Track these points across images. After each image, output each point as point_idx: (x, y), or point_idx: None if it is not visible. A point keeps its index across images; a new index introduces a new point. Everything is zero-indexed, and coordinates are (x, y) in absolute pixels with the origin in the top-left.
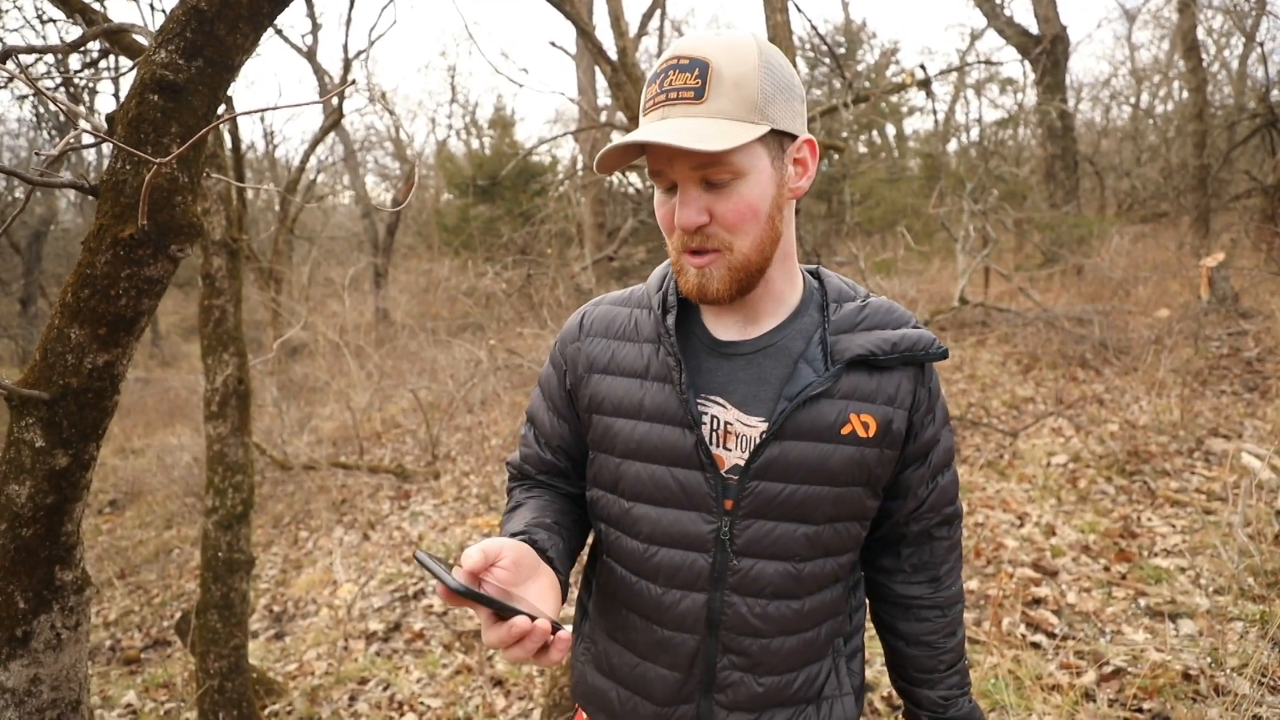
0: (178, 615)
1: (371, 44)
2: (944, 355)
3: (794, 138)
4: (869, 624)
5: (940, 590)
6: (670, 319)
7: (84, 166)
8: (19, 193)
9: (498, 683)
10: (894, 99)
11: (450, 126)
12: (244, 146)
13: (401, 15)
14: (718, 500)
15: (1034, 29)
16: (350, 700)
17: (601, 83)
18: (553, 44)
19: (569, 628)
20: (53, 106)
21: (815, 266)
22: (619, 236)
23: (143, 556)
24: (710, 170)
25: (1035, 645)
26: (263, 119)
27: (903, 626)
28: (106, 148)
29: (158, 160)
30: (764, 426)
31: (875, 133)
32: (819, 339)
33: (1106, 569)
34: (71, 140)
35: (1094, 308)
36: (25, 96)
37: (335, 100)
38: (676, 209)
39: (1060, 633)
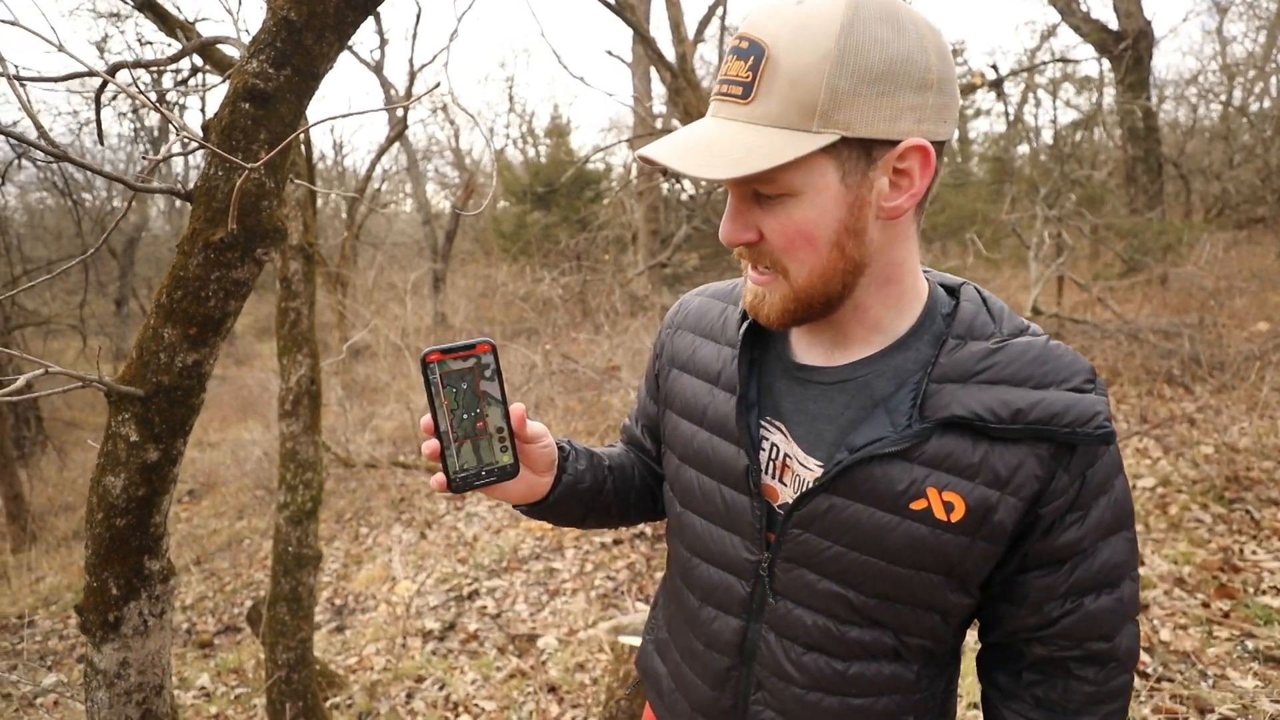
0: (248, 604)
1: (435, 56)
2: (1103, 440)
3: (893, 143)
4: None
5: None
6: (743, 326)
7: (174, 178)
8: (117, 201)
9: (551, 689)
10: (962, 100)
11: (508, 136)
12: (315, 157)
13: (464, 28)
14: (761, 532)
15: (1113, 24)
16: (407, 697)
17: (657, 90)
18: (609, 53)
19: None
20: (153, 117)
21: (964, 284)
22: (673, 243)
23: (216, 545)
24: (757, 183)
25: None
26: (332, 130)
27: None
28: (198, 159)
29: (248, 165)
30: (819, 472)
31: None
32: (915, 383)
33: (1205, 605)
34: (171, 147)
35: (1182, 320)
36: (125, 113)
37: (400, 111)
38: (723, 219)
39: (1154, 673)
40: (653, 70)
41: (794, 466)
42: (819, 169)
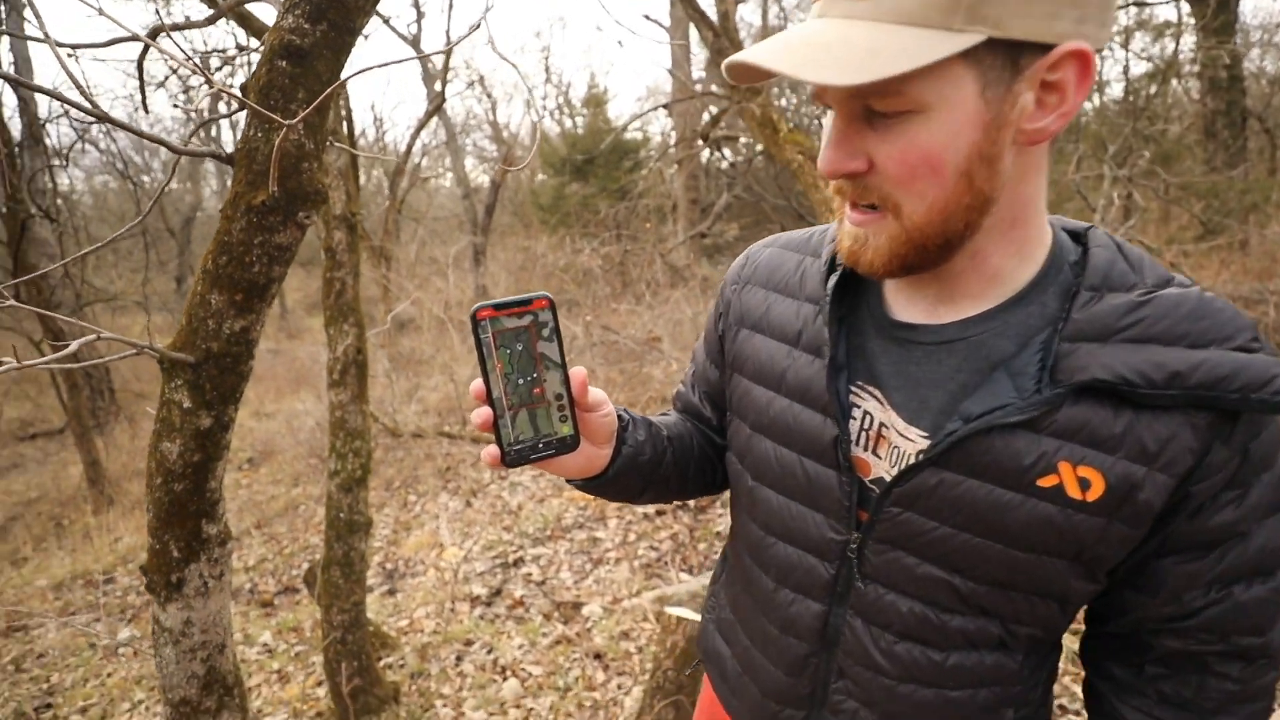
0: (304, 566)
1: (472, 29)
2: (1278, 408)
3: (1044, 48)
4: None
5: None
6: (833, 279)
7: (220, 146)
8: (175, 183)
9: (597, 656)
10: None
11: (545, 107)
12: (356, 132)
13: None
14: (850, 510)
15: None
16: (457, 660)
17: (696, 60)
18: (647, 17)
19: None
20: (204, 92)
21: (1090, 228)
22: (713, 212)
23: (274, 510)
24: (875, 98)
25: None
26: (373, 107)
27: None
28: (240, 125)
29: (286, 122)
30: (924, 444)
31: None
32: (1043, 342)
33: None
34: (199, 107)
35: (1265, 287)
36: (175, 94)
37: (439, 85)
38: (823, 145)
39: None
40: (692, 35)
41: (891, 437)
42: (955, 79)
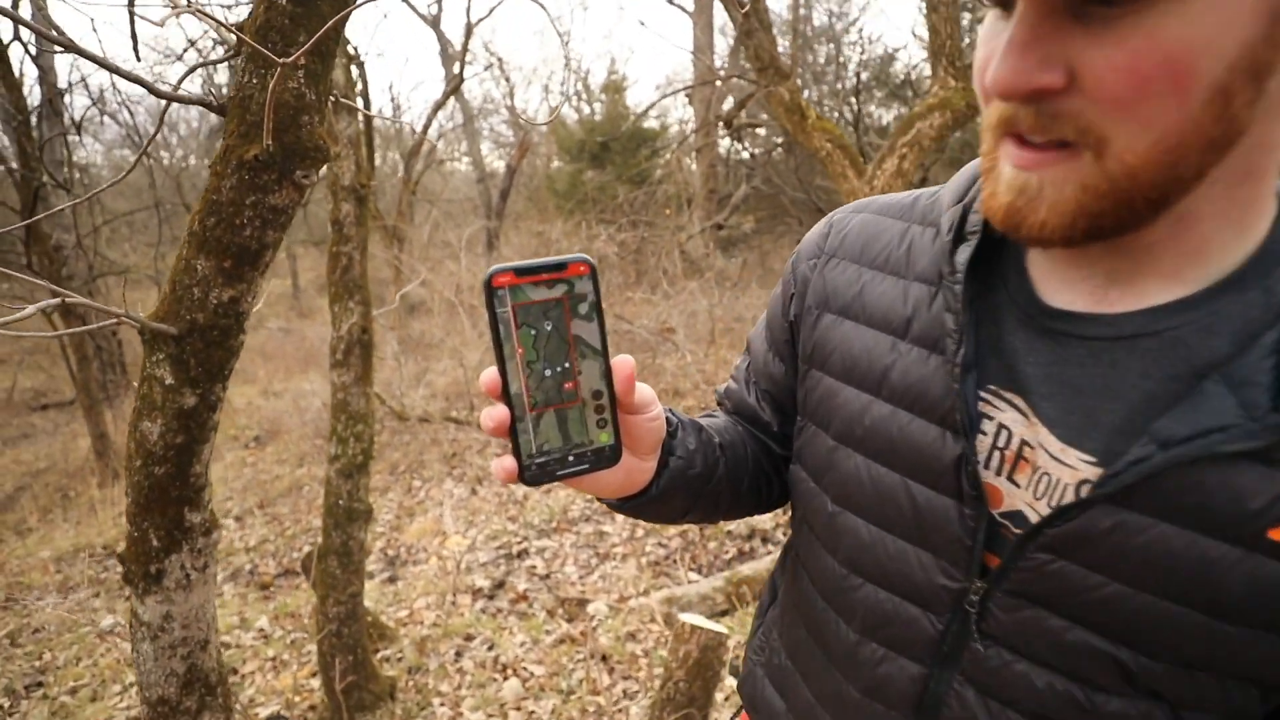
0: (306, 548)
1: (492, 10)
2: None
3: None
4: None
5: None
6: (966, 251)
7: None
8: (192, 159)
9: (602, 658)
10: None
11: (563, 93)
12: (373, 111)
13: None
14: (974, 552)
15: None
16: (456, 655)
17: (719, 48)
18: (670, 1)
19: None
20: (198, 21)
21: None
22: (730, 204)
23: (278, 490)
24: None
25: None
26: (390, 87)
27: None
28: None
29: (282, 61)
30: (1094, 473)
31: None
32: (1276, 342)
33: None
34: (201, 51)
35: None
36: (163, 22)
37: (456, 68)
38: (996, 52)
39: None
40: (715, 20)
41: (1038, 460)
42: None
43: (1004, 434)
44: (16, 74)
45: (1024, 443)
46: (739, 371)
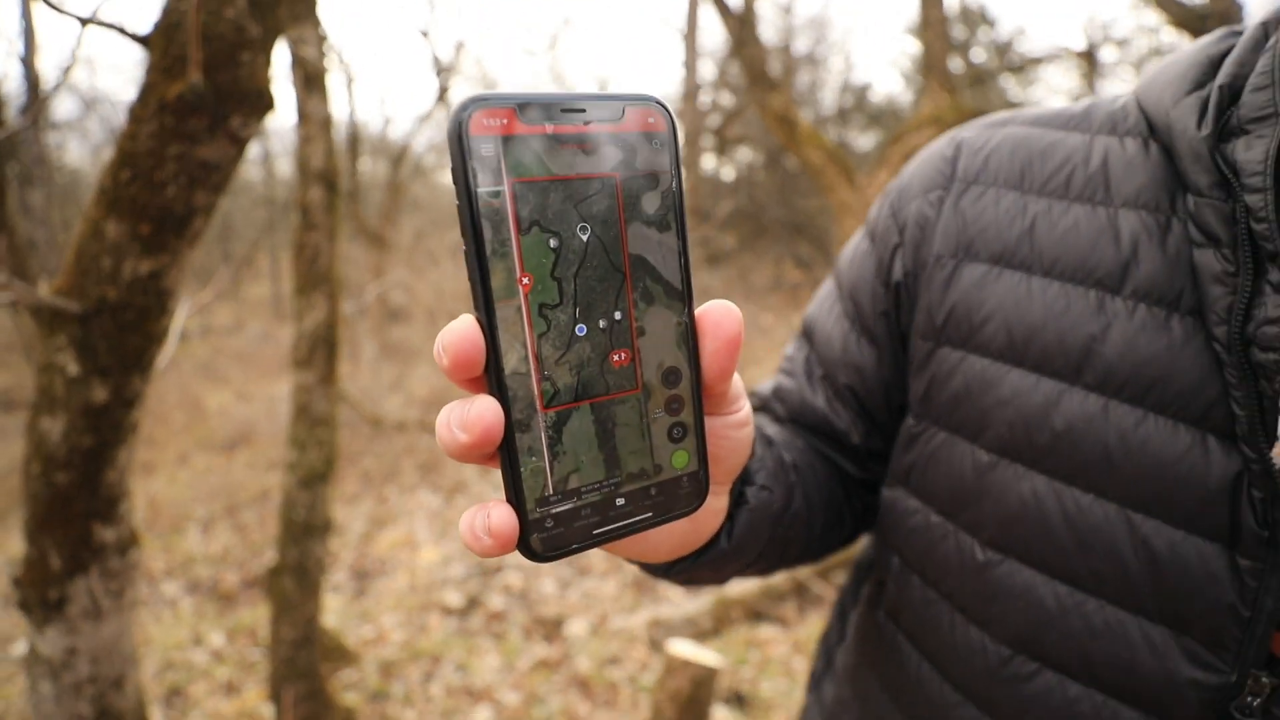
0: (271, 558)
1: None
2: None
3: None
4: None
5: None
6: (1258, 148)
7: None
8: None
9: (581, 684)
10: (1042, 72)
11: None
12: (359, 122)
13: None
14: (1252, 627)
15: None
16: (424, 679)
17: (706, 71)
18: (664, 21)
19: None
20: None
21: None
22: (713, 221)
23: (246, 498)
24: None
25: None
26: (381, 103)
27: None
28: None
29: None
30: None
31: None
32: None
33: None
34: None
35: None
36: None
37: (443, 78)
38: None
39: None
40: (700, 37)
41: None
42: None
43: None
44: None
45: None
46: (794, 364)
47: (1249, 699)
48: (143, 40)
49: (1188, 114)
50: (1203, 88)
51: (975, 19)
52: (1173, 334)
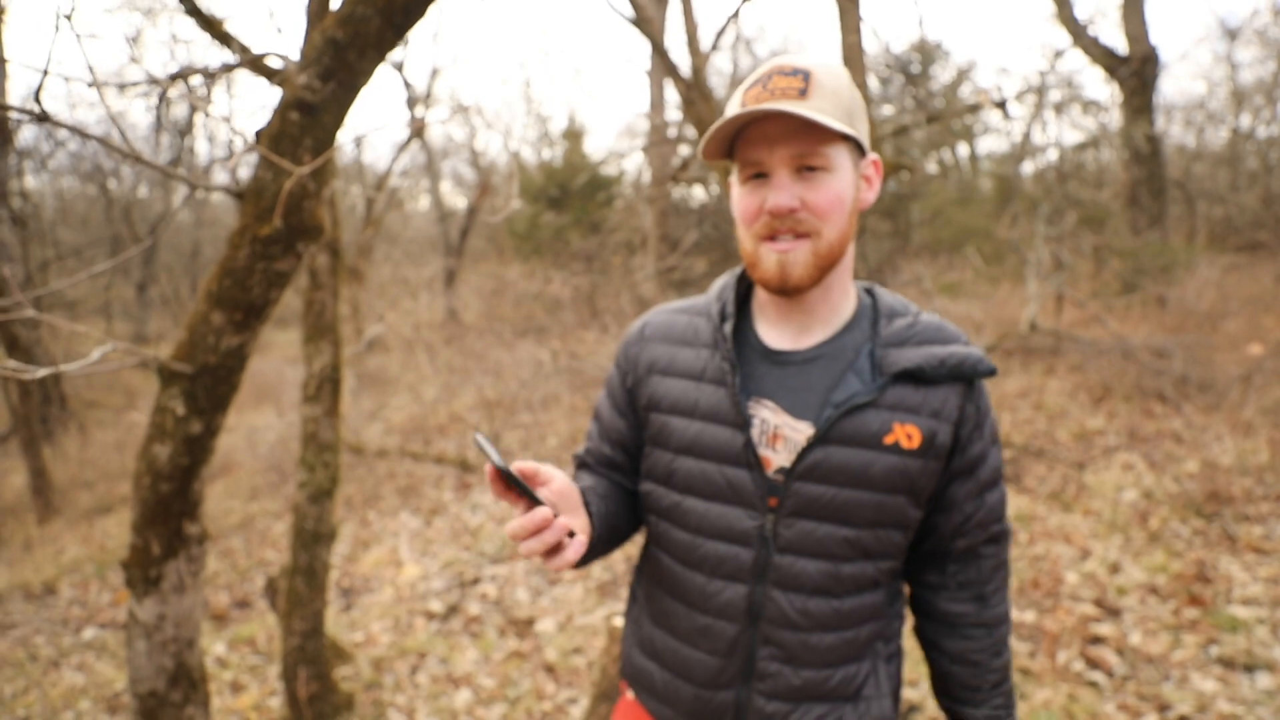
0: (260, 580)
1: (456, 59)
2: (992, 372)
3: (864, 154)
4: (914, 639)
5: (986, 609)
6: (728, 326)
7: (199, 171)
8: (143, 190)
9: (548, 669)
10: (968, 119)
11: (524, 138)
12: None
13: (484, 28)
14: (762, 499)
15: (1123, 48)
16: (412, 671)
17: (672, 96)
18: (628, 61)
19: (583, 536)
20: (206, 121)
21: (870, 284)
22: (681, 248)
23: (230, 524)
24: (809, 157)
25: (1092, 684)
26: (355, 135)
27: (948, 644)
28: (246, 163)
29: (295, 169)
30: (811, 431)
31: (947, 152)
32: (868, 352)
33: (1176, 613)
34: (199, 140)
35: (1176, 340)
36: (158, 106)
37: (420, 112)
38: (769, 193)
39: (1120, 673)
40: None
41: (785, 434)
42: (844, 155)
43: (765, 424)
44: None
45: (775, 426)
46: (592, 436)
47: (767, 528)
48: (240, 196)
49: (716, 310)
50: (721, 301)
51: (931, 52)
52: (720, 394)
